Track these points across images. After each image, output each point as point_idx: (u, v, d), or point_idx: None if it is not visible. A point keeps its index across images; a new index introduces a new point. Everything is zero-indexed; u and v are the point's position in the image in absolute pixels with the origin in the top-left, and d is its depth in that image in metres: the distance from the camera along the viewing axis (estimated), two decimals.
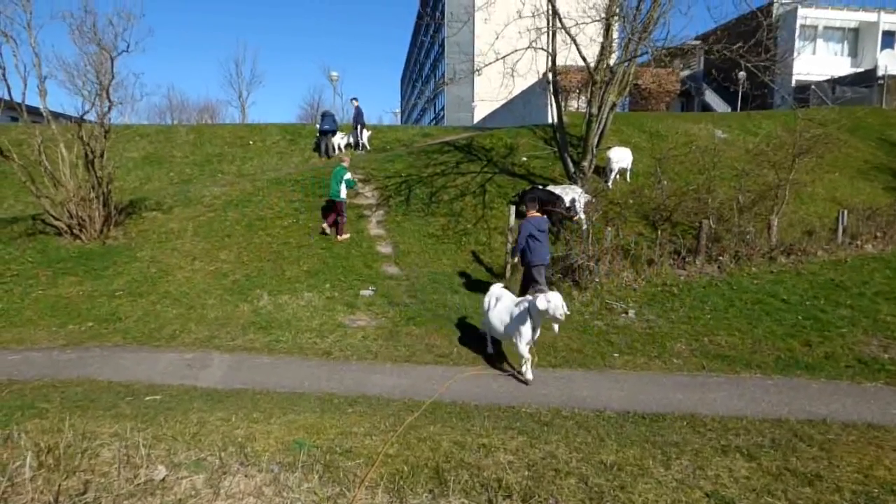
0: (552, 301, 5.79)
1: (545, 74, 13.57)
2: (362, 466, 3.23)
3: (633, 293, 8.73)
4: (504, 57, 11.75)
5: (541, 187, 11.46)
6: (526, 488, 2.91)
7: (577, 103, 21.87)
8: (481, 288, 9.13)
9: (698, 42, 14.68)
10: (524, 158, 14.46)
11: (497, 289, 7.02)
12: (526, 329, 6.12)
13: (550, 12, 11.79)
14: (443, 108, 48.33)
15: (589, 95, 12.70)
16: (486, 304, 6.91)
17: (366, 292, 9.09)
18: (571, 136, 13.78)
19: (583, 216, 10.45)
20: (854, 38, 31.87)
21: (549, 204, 10.56)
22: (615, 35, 12.63)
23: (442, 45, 44.79)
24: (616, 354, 7.03)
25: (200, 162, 16.12)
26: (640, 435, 4.72)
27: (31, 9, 10.65)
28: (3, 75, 10.50)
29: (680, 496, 2.99)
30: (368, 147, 17.01)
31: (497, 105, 28.30)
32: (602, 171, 13.31)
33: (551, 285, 8.40)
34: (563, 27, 11.54)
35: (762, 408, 5.57)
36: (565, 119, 13.66)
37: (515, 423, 4.89)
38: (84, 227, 10.76)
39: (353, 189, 11.82)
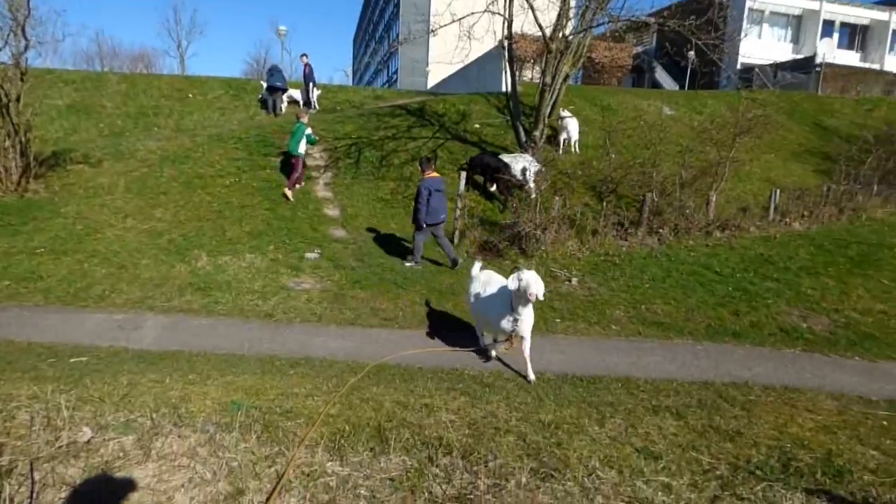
0: (524, 279, 5.01)
1: (501, 41, 13.40)
2: (303, 426, 3.18)
3: (577, 262, 8.94)
4: (461, 19, 11.49)
5: (490, 154, 11.44)
6: (466, 445, 2.95)
7: (531, 73, 21.83)
8: (429, 253, 9.10)
9: (653, 18, 14.84)
10: (477, 125, 14.36)
11: (482, 272, 6.13)
12: (501, 314, 5.35)
13: None
14: (396, 71, 47.14)
15: (543, 65, 12.66)
16: (473, 290, 6.01)
17: (311, 255, 8.87)
18: (525, 106, 13.74)
19: (532, 185, 10.53)
20: (797, 24, 33.26)
21: (498, 171, 10.58)
22: (573, 2, 12.57)
23: (397, 5, 43.46)
24: (558, 320, 7.21)
25: (134, 114, 15.07)
26: (577, 396, 4.89)
27: None
28: None
29: (612, 451, 3.11)
30: (318, 107, 16.42)
31: (452, 71, 27.85)
32: (554, 138, 13.44)
33: (452, 242, 8.78)
34: None
35: (691, 371, 5.88)
36: (519, 88, 13.58)
37: (458, 385, 4.95)
38: None
39: (314, 145, 11.50)
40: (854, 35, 33.94)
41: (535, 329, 5.61)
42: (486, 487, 2.52)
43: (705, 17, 10.89)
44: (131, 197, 10.23)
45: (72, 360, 5.23)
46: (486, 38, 12.56)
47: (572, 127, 13.34)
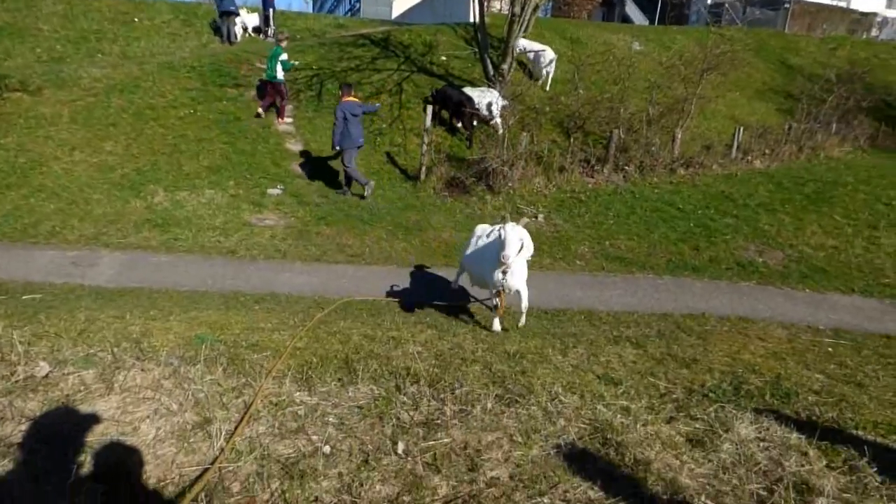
0: (503, 235, 4.46)
1: None
2: (269, 359, 3.17)
3: (544, 199, 8.97)
4: None
5: (454, 88, 11.09)
6: (433, 375, 3.00)
7: (500, 4, 21.00)
8: (395, 189, 8.97)
9: None
10: (444, 58, 13.83)
11: (484, 227, 5.65)
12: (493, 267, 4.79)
13: None
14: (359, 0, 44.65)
15: None
16: (469, 245, 5.62)
17: (274, 191, 8.62)
18: (493, 38, 13.26)
19: (499, 121, 10.33)
20: None
21: (462, 105, 10.28)
22: None
23: None
24: None
25: (75, 39, 13.88)
26: (542, 328, 5.02)
27: None
28: None
29: (574, 378, 3.22)
30: (276, 35, 15.45)
31: (417, 0, 26.53)
32: (524, 67, 13.13)
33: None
34: None
35: (652, 304, 6.10)
36: (487, 19, 13.04)
37: (425, 319, 5.01)
38: None
39: (289, 71, 10.94)
40: None
41: None
42: (453, 413, 2.59)
43: None
44: (77, 128, 9.59)
45: (24, 297, 5.03)
46: None
47: (547, 59, 13.02)
